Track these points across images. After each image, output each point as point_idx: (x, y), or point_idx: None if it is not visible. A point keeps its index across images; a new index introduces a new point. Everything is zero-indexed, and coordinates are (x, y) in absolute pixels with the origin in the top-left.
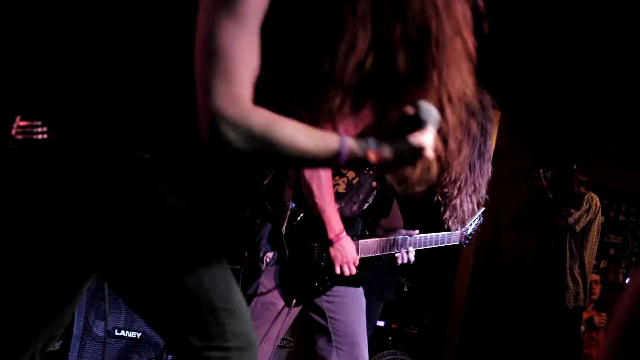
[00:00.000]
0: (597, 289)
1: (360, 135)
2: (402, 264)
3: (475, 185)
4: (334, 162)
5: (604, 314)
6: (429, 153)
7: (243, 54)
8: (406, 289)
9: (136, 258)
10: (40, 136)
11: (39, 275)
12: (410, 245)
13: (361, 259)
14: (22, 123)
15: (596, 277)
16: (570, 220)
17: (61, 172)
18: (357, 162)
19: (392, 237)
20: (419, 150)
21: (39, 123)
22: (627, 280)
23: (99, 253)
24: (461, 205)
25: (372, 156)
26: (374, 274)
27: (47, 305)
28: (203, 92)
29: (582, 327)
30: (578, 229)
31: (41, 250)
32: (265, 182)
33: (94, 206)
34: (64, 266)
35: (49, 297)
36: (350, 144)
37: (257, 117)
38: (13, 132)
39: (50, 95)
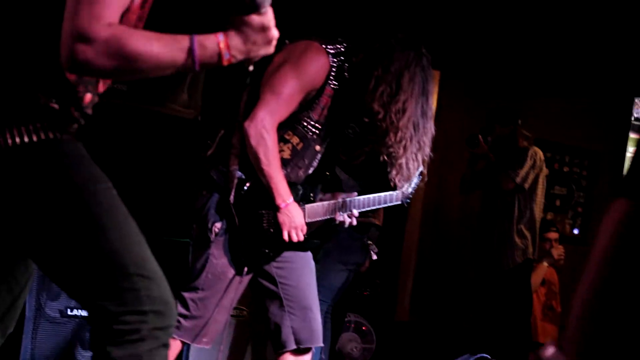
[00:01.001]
0: (560, 249)
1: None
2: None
3: (420, 144)
4: (189, 61)
5: (561, 247)
6: (274, 32)
7: None
8: (375, 257)
9: (47, 224)
10: None
11: None
12: (355, 207)
13: (310, 224)
14: None
15: (554, 235)
16: (518, 180)
17: None
18: (211, 57)
19: (338, 200)
20: (265, 30)
21: None
22: (575, 231)
23: (15, 224)
24: (407, 164)
25: (222, 45)
26: (331, 239)
27: None
28: (68, 16)
29: (537, 282)
30: (527, 186)
31: None
32: (209, 152)
33: (8, 176)
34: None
35: None
36: (200, 38)
37: (111, 33)
38: None
39: None
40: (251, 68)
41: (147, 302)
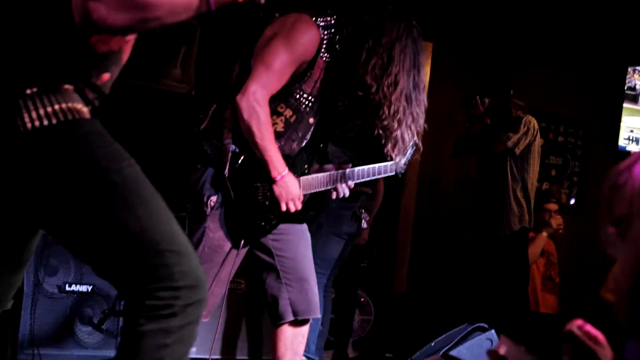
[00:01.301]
0: (559, 219)
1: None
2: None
3: (413, 116)
4: (203, 4)
5: (560, 217)
6: None
7: None
8: (365, 225)
9: (76, 207)
10: None
11: None
12: (350, 179)
13: (305, 196)
14: None
15: (554, 206)
16: (509, 144)
17: None
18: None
19: (332, 172)
20: None
21: None
22: (571, 201)
23: (40, 208)
24: (402, 137)
25: None
26: (321, 211)
27: None
28: None
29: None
30: (518, 152)
31: None
32: (203, 127)
33: (33, 160)
34: (6, 224)
35: None
36: None
37: None
38: None
39: None
40: (262, 1)
41: (180, 278)
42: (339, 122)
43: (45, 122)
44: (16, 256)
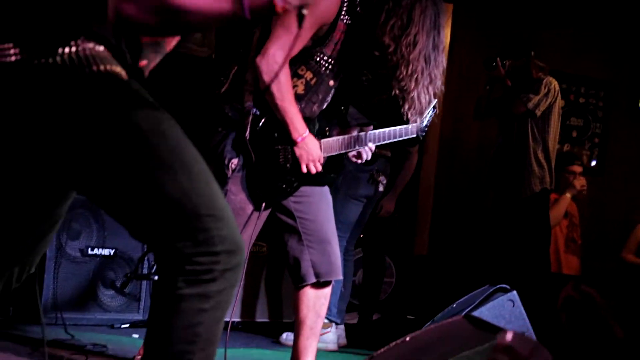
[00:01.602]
0: (583, 181)
1: None
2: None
3: (431, 77)
4: (238, 12)
5: (583, 178)
6: None
7: None
8: (382, 187)
9: (114, 168)
10: (13, 58)
11: (17, 193)
12: (371, 141)
13: (326, 158)
14: None
15: (579, 168)
16: (530, 105)
17: (35, 90)
18: (263, 5)
19: (353, 134)
20: None
21: (10, 45)
22: (592, 162)
23: (76, 166)
24: (419, 97)
25: None
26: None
27: (26, 224)
28: None
29: (560, 214)
30: (538, 113)
31: (20, 168)
32: (223, 90)
33: (73, 120)
34: (43, 184)
35: (29, 215)
36: None
37: None
38: None
39: (14, 15)
40: (305, 12)
41: (219, 242)
42: (363, 97)
43: (86, 82)
44: (46, 220)
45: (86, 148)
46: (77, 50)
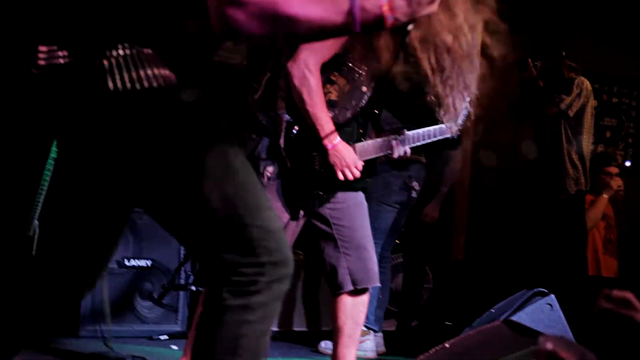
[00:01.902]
0: (619, 182)
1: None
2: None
3: (465, 82)
4: (348, 24)
5: (619, 179)
6: None
7: None
8: (415, 194)
9: (161, 176)
10: (61, 60)
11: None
12: (407, 142)
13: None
14: (43, 49)
15: (615, 170)
16: (562, 106)
17: (85, 94)
18: (373, 20)
19: (388, 137)
20: None
21: (58, 47)
22: (626, 163)
23: (125, 172)
24: (454, 103)
25: (385, 8)
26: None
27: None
28: None
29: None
30: (571, 114)
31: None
32: (257, 96)
33: (121, 127)
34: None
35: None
36: (361, 1)
37: None
38: (35, 59)
39: (65, 19)
40: (410, 27)
41: (265, 254)
42: (398, 101)
43: (137, 86)
44: (111, 235)
45: (133, 153)
46: (124, 54)
